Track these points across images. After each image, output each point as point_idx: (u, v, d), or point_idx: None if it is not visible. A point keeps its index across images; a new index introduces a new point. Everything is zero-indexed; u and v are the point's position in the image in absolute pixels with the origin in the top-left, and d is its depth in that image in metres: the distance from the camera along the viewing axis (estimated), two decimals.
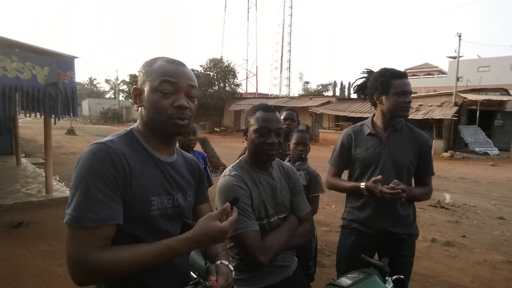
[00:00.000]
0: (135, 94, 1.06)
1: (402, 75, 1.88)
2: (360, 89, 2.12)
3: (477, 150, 16.08)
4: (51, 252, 3.75)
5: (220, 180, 1.50)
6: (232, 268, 1.07)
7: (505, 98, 17.25)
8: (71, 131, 21.18)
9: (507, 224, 5.44)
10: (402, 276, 1.51)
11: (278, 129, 1.46)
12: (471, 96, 16.69)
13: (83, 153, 0.94)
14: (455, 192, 7.13)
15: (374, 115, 2.05)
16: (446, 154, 15.78)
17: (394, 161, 1.89)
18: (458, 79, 18.05)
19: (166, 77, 0.99)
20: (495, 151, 16.20)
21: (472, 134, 16.79)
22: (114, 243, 0.93)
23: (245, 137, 1.54)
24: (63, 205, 5.47)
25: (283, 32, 40.21)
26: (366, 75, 2.12)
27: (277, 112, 1.53)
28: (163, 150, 1.07)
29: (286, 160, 2.55)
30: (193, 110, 1.04)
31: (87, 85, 60.63)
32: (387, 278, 1.37)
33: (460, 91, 17.40)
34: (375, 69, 2.10)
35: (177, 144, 2.43)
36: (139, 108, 1.06)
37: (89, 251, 0.85)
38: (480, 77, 27.13)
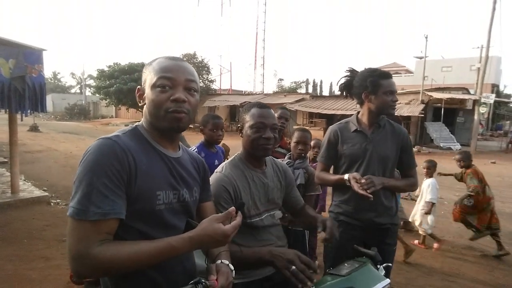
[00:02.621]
0: (139, 93, 1.08)
1: (389, 76, 1.97)
2: (345, 87, 2.19)
3: (441, 145, 17.04)
4: (22, 256, 3.55)
5: (213, 175, 1.50)
6: (232, 268, 1.08)
7: (466, 96, 18.39)
8: (34, 128, 19.96)
9: None
10: (390, 264, 1.59)
11: (273, 124, 1.49)
12: (436, 95, 17.62)
13: (89, 147, 0.94)
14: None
15: (358, 112, 2.12)
16: (413, 149, 16.57)
17: (379, 156, 1.97)
18: (423, 78, 18.97)
19: (163, 73, 1.00)
20: (458, 146, 17.24)
21: (437, 130, 17.77)
22: (121, 238, 0.93)
23: (240, 134, 1.56)
24: (31, 206, 5.20)
25: (257, 28, 40.22)
26: (349, 74, 2.20)
27: (271, 109, 1.56)
28: (168, 146, 1.08)
29: (286, 157, 2.59)
30: (192, 104, 1.04)
31: (51, 80, 57.41)
32: (378, 266, 1.44)
33: (426, 90, 18.30)
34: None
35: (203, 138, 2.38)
36: (143, 106, 1.07)
37: (91, 245, 0.85)
38: (444, 76, 28.68)
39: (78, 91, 54.87)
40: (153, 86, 1.01)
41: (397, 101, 2.02)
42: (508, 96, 35.93)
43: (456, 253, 4.04)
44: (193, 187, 1.13)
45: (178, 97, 0.99)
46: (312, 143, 3.19)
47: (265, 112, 1.49)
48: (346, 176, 1.90)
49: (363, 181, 1.78)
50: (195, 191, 1.14)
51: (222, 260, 1.08)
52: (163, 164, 1.04)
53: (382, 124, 2.05)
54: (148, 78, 1.03)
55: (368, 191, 1.75)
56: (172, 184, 1.04)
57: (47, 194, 5.72)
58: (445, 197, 6.95)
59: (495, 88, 30.99)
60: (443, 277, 3.40)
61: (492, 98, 16.95)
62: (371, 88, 1.96)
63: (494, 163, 12.99)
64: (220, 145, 3.15)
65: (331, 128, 2.17)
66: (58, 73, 61.43)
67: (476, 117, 16.90)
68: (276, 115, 2.88)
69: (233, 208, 0.99)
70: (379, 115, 2.02)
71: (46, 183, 6.77)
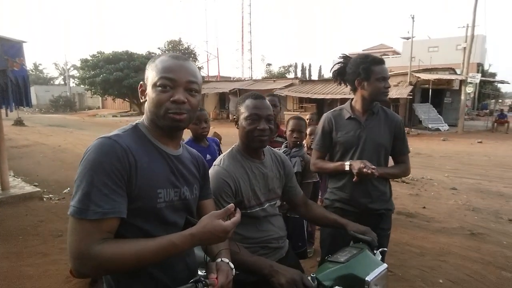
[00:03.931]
0: (141, 89, 1.09)
1: (381, 62, 1.97)
2: (339, 74, 2.19)
3: (430, 127, 17.33)
4: (18, 253, 3.53)
5: (211, 168, 1.51)
6: (232, 266, 1.10)
7: (453, 77, 18.60)
8: (19, 122, 19.50)
9: (459, 194, 6.01)
10: (386, 249, 1.63)
11: (268, 115, 1.49)
12: (424, 76, 17.77)
13: (89, 147, 0.95)
14: (413, 167, 7.54)
15: (352, 99, 2.13)
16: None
17: (373, 143, 2.00)
18: (410, 59, 19.07)
19: (165, 73, 1.00)
20: (446, 126, 17.57)
21: (425, 112, 18.01)
22: (122, 236, 0.94)
23: (236, 126, 1.56)
24: (23, 202, 5.13)
25: (242, 12, 39.55)
26: (342, 60, 2.20)
27: (267, 100, 1.55)
28: (169, 144, 1.09)
29: (283, 146, 2.61)
30: (193, 104, 1.05)
31: (32, 71, 55.58)
32: (375, 251, 1.48)
33: (414, 71, 18.43)
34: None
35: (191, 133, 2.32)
36: (145, 103, 1.08)
37: (91, 244, 0.86)
38: (431, 57, 28.89)
39: (62, 82, 53.47)
40: (154, 85, 1.01)
41: (389, 87, 2.03)
42: (492, 75, 36.44)
43: (446, 233, 4.18)
44: (194, 185, 1.14)
45: (178, 98, 1.00)
46: (308, 130, 3.24)
47: (259, 103, 1.48)
48: (347, 162, 1.94)
49: (373, 166, 1.82)
50: (195, 189, 1.15)
51: (222, 258, 1.09)
52: (164, 162, 1.05)
53: (376, 111, 2.06)
54: (150, 76, 1.04)
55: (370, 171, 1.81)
56: (173, 182, 1.05)
57: (38, 189, 5.64)
58: (435, 178, 7.13)
59: (480, 67, 31.39)
60: (434, 257, 3.52)
61: (478, 78, 17.21)
62: (363, 75, 1.97)
63: (480, 142, 13.31)
64: (212, 134, 3.08)
65: (325, 115, 2.17)
66: (40, 64, 59.66)
67: (463, 97, 17.17)
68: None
69: (232, 204, 1.01)
70: (372, 101, 2.03)
71: (36, 178, 6.68)
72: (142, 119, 1.09)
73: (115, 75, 26.52)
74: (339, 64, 2.19)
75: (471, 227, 4.37)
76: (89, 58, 28.68)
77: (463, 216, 4.82)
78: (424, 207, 5.18)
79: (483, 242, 3.89)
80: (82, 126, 20.42)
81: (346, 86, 2.16)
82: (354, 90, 2.08)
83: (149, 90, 1.03)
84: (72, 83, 45.10)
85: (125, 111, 33.42)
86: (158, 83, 1.00)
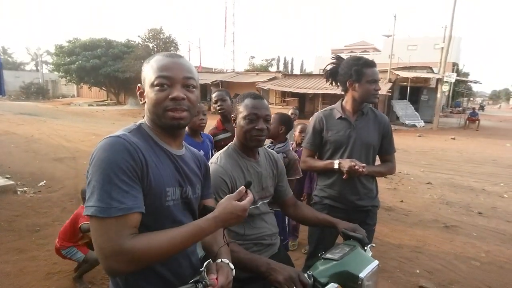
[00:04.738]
0: (140, 92, 1.08)
1: (373, 64, 2.02)
2: (331, 75, 2.23)
3: (407, 123, 17.92)
4: None
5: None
6: (232, 266, 1.10)
7: (430, 75, 19.25)
8: None
9: (434, 188, 6.29)
10: (374, 245, 1.69)
11: (266, 115, 1.51)
12: (403, 73, 18.30)
13: (97, 147, 0.94)
14: None
15: (342, 99, 2.18)
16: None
17: (362, 142, 2.06)
18: (390, 56, 19.55)
19: (161, 72, 1.01)
20: (422, 123, 18.22)
21: (403, 108, 18.60)
22: None
23: (234, 124, 1.57)
24: None
25: (226, 1, 38.97)
26: (335, 61, 2.23)
27: (265, 100, 1.56)
28: (172, 144, 1.09)
29: (268, 142, 2.63)
30: (192, 100, 1.05)
31: (0, 55, 52.50)
32: (366, 248, 1.53)
33: (393, 69, 18.92)
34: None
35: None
36: (145, 104, 1.07)
37: (123, 240, 0.86)
38: (410, 55, 29.68)
39: (34, 68, 50.84)
40: (152, 85, 1.01)
41: (379, 89, 2.09)
42: (466, 74, 38.00)
43: (422, 226, 4.37)
44: (196, 184, 1.15)
45: (177, 95, 1.00)
46: (299, 127, 3.29)
47: (258, 103, 1.50)
48: (336, 161, 2.00)
49: (362, 164, 1.89)
50: (198, 188, 1.16)
51: (223, 259, 1.09)
52: (170, 161, 1.06)
53: (365, 112, 2.12)
54: (147, 76, 1.03)
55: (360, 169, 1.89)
56: (178, 181, 1.07)
57: (12, 182, 5.38)
58: (411, 173, 7.40)
59: (455, 67, 32.62)
60: (411, 249, 3.68)
61: (453, 77, 17.84)
62: (355, 77, 2.01)
63: (453, 139, 13.89)
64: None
65: (316, 115, 2.22)
66: (8, 48, 56.41)
67: (439, 95, 17.81)
68: (213, 96, 2.94)
69: (243, 187, 1.05)
70: (362, 103, 2.09)
71: (8, 170, 6.37)
72: (144, 120, 1.09)
73: (92, 62, 25.57)
74: (332, 65, 2.23)
75: (445, 220, 4.60)
76: (65, 44, 27.47)
77: (438, 210, 5.06)
78: (401, 201, 5.38)
79: (455, 234, 4.11)
80: (56, 115, 19.60)
81: (338, 87, 2.20)
82: (345, 91, 2.12)
83: (148, 91, 1.03)
84: (45, 69, 43.04)
85: (102, 100, 32.32)
86: (155, 83, 1.00)
